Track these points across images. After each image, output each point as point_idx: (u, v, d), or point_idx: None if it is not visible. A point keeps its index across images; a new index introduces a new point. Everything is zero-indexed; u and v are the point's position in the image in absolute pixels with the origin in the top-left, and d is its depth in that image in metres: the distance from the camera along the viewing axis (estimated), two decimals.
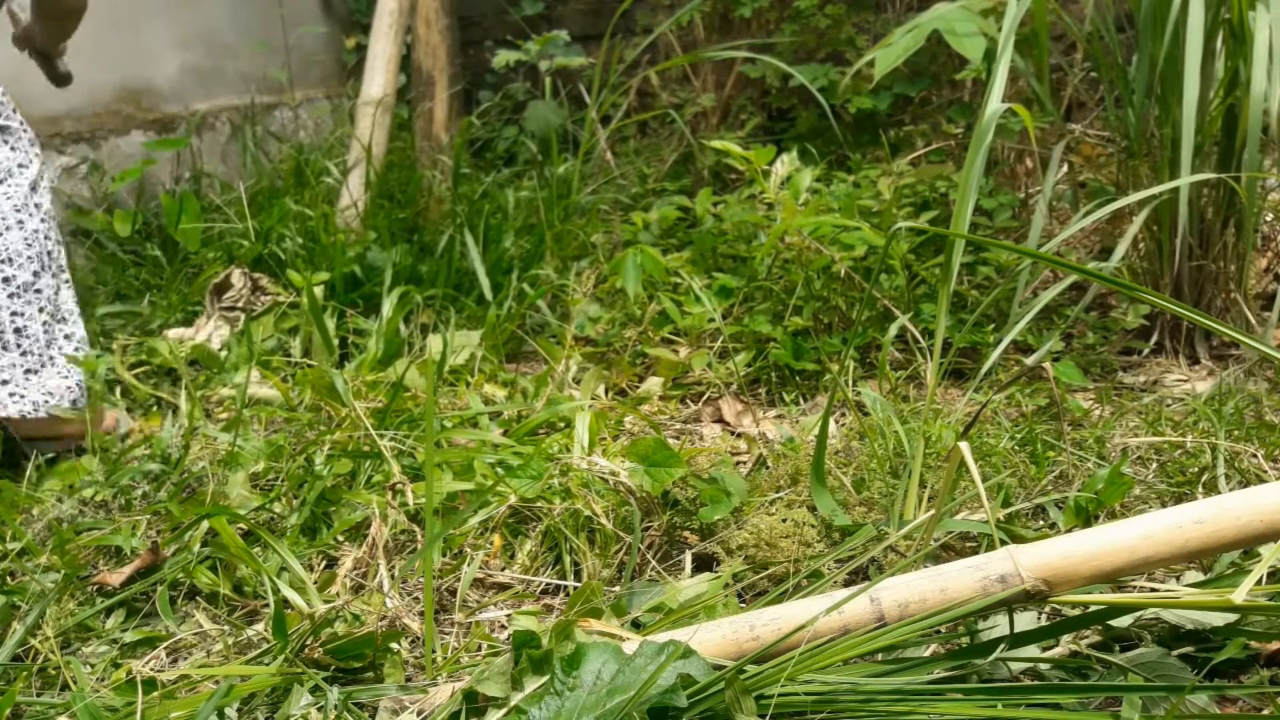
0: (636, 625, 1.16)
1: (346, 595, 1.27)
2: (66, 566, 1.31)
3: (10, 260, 1.68)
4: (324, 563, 1.38)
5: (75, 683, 1.11)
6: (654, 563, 1.34)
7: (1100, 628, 1.09)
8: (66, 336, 1.76)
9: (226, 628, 1.24)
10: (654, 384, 1.91)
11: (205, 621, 1.25)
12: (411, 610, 1.26)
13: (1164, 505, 1.40)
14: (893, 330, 1.69)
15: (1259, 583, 1.09)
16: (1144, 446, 1.56)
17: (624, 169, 3.17)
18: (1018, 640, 1.04)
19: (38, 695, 1.11)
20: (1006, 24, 1.58)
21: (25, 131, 1.78)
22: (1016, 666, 1.05)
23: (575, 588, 1.29)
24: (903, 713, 0.94)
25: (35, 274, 1.71)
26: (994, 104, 1.47)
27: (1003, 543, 1.05)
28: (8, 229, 1.68)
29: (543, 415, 1.71)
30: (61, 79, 2.03)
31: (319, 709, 1.04)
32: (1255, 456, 1.48)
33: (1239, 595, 0.94)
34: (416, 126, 3.28)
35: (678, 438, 1.74)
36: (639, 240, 2.37)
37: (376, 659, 1.12)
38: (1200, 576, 1.21)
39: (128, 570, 1.29)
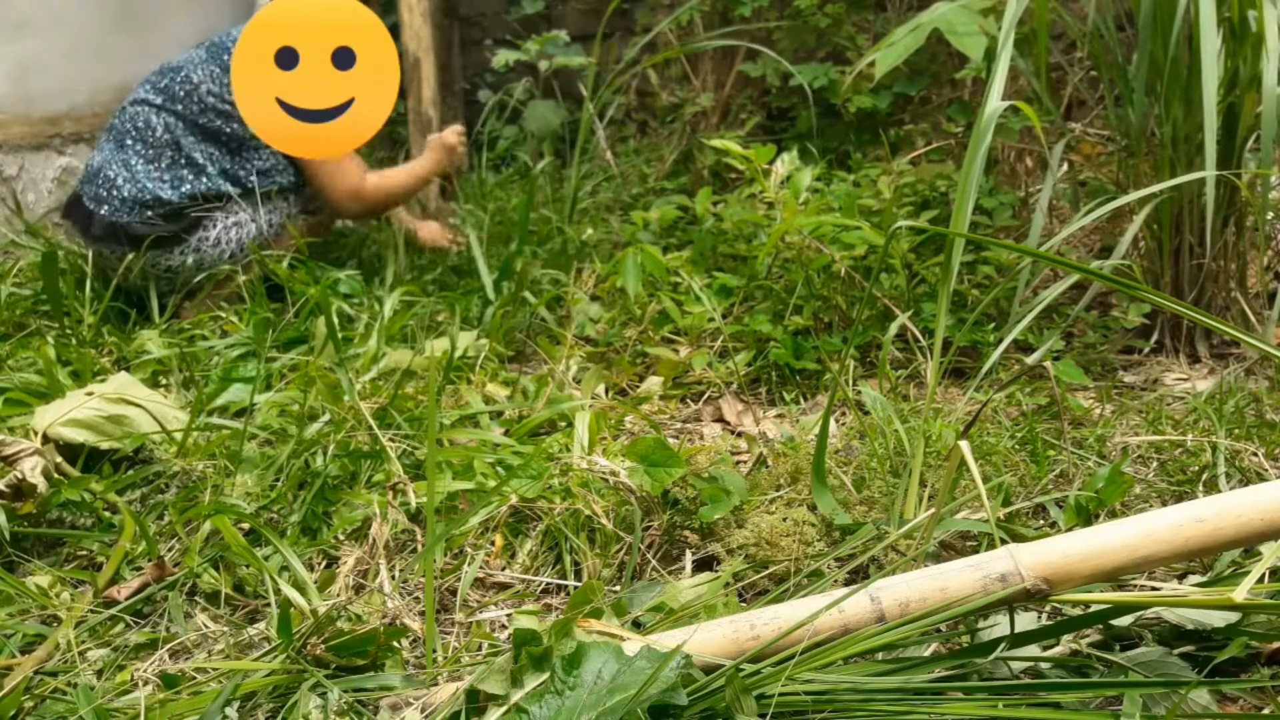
0: (637, 625, 1.16)
1: (348, 594, 1.27)
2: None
3: None
4: (324, 562, 1.38)
5: (79, 684, 1.11)
6: (654, 562, 1.34)
7: (1101, 627, 1.09)
8: None
9: (227, 628, 1.24)
10: (654, 383, 1.91)
11: (207, 621, 1.25)
12: (412, 610, 1.26)
13: (1164, 504, 1.40)
14: (893, 329, 1.69)
15: (1260, 581, 1.09)
16: (1144, 445, 1.56)
17: (624, 168, 3.17)
18: (1018, 639, 1.04)
19: (42, 699, 1.11)
20: (1006, 22, 1.58)
21: None
22: (1017, 666, 1.05)
23: (576, 587, 1.29)
24: (903, 712, 0.94)
25: None
26: (994, 102, 1.47)
27: (1003, 541, 1.05)
28: None
29: (543, 415, 1.71)
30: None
31: (320, 708, 1.04)
32: (1256, 455, 1.48)
33: (1240, 594, 0.94)
34: (408, 105, 3.36)
35: (678, 437, 1.74)
36: (639, 239, 2.37)
37: (380, 657, 1.12)
38: (1201, 577, 1.21)
39: (135, 584, 1.30)
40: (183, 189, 2.35)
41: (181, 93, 2.37)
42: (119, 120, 2.44)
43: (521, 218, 2.47)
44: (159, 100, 2.39)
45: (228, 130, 2.37)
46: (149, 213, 2.34)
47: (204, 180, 2.37)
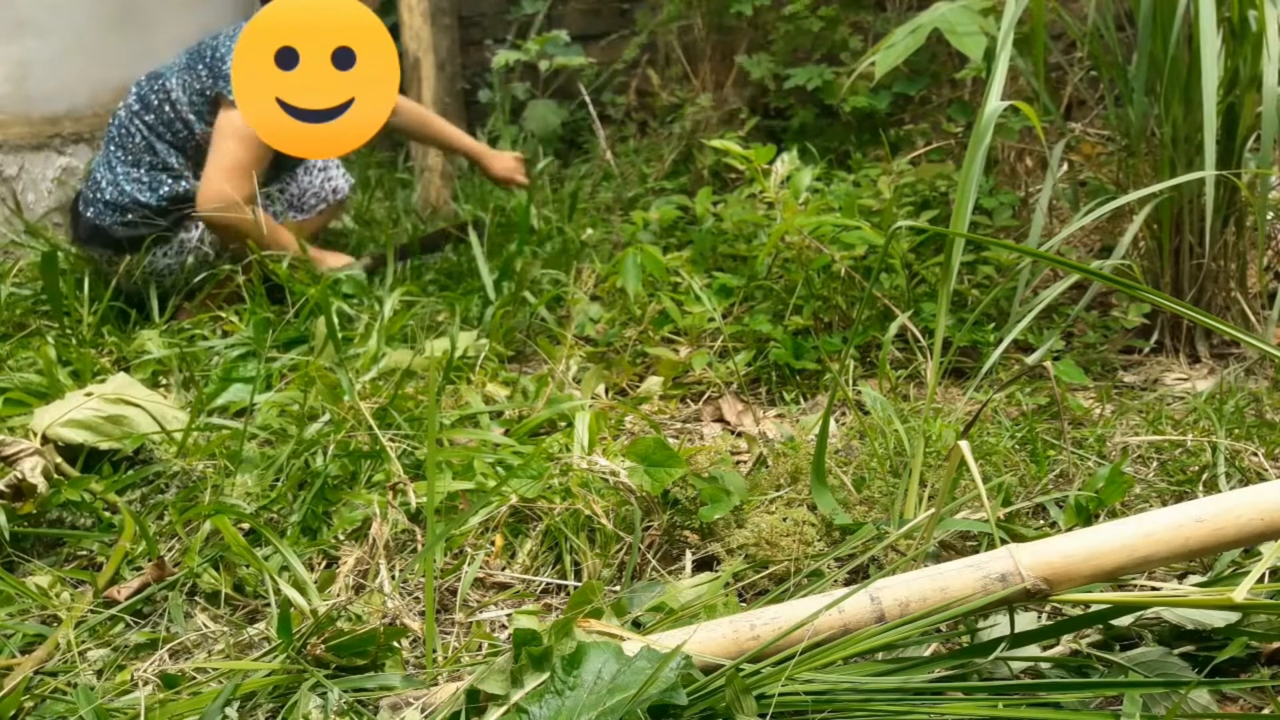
0: (637, 625, 1.16)
1: (348, 594, 1.27)
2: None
3: None
4: (324, 562, 1.38)
5: (79, 684, 1.11)
6: (654, 562, 1.34)
7: (1101, 627, 1.09)
8: None
9: (227, 628, 1.24)
10: (654, 383, 1.91)
11: (207, 621, 1.25)
12: (412, 610, 1.26)
13: (1164, 504, 1.40)
14: (893, 329, 1.69)
15: (1260, 581, 1.09)
16: (1144, 445, 1.56)
17: (624, 168, 3.18)
18: (1018, 639, 1.04)
19: (42, 699, 1.11)
20: (1005, 22, 1.58)
21: None
22: (1017, 666, 1.05)
23: (576, 587, 1.29)
24: (903, 712, 0.94)
25: None
26: (994, 102, 1.47)
27: (1003, 541, 1.05)
28: None
29: (543, 415, 1.71)
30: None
31: (320, 708, 1.04)
32: (1256, 455, 1.48)
33: (1239, 594, 0.94)
34: None
35: (678, 437, 1.74)
36: (639, 239, 2.37)
37: (379, 657, 1.12)
38: (1201, 577, 1.21)
39: (135, 584, 1.30)
40: (161, 191, 2.36)
41: (155, 101, 2.39)
42: (110, 124, 2.46)
43: (521, 218, 2.47)
44: (137, 107, 2.41)
45: (191, 144, 2.37)
46: (129, 216, 2.35)
47: (182, 183, 2.37)
